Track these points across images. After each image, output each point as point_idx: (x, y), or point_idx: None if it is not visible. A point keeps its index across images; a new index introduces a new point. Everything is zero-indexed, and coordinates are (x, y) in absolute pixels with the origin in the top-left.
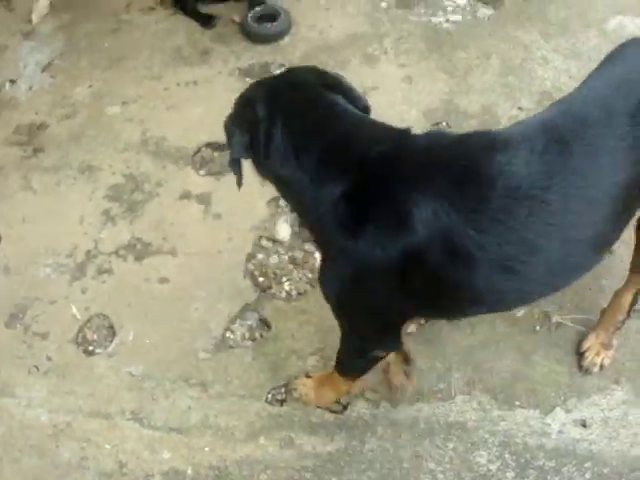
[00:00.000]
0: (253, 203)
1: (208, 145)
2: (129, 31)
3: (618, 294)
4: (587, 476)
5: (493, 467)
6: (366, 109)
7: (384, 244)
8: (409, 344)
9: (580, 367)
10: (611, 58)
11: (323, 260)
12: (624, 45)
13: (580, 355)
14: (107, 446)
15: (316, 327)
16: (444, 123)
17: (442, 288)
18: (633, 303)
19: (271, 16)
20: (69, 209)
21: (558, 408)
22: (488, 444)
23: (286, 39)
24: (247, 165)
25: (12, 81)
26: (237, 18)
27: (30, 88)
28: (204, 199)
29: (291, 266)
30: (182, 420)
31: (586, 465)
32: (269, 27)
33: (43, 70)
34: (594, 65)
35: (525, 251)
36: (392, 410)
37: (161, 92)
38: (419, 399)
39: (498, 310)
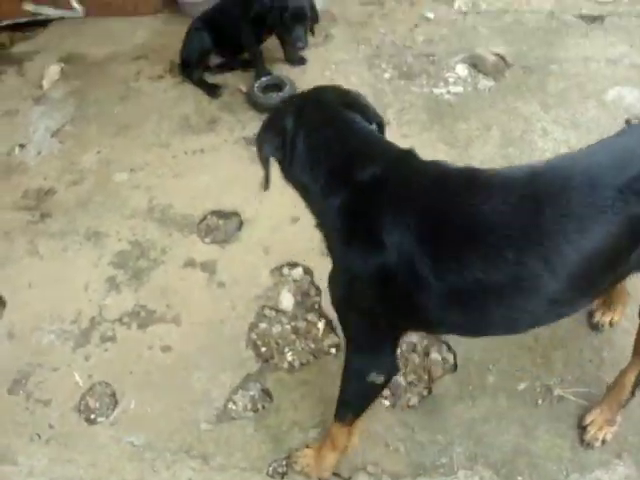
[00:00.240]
0: (257, 272)
1: (213, 213)
2: (138, 98)
3: (622, 374)
4: None
5: None
6: (380, 125)
7: (364, 258)
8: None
9: (582, 441)
10: (624, 131)
11: (332, 264)
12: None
13: (582, 429)
14: None
15: (318, 399)
16: None
17: (411, 304)
18: (636, 383)
19: (277, 86)
20: (75, 275)
21: None
22: None
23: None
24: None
25: (22, 145)
26: (244, 88)
27: (39, 153)
28: (208, 267)
29: (294, 336)
30: None
31: None
32: (275, 97)
33: (52, 135)
34: (593, 136)
35: (477, 290)
36: None
37: (168, 160)
38: (421, 474)
39: (467, 335)
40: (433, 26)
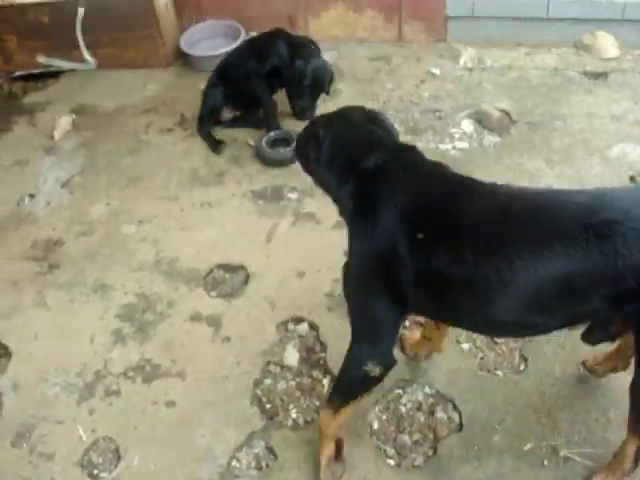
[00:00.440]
0: (262, 327)
1: (220, 266)
2: (147, 151)
3: (624, 444)
4: None
5: None
6: (394, 133)
7: (363, 240)
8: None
9: None
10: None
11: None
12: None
13: None
14: None
15: None
16: None
17: (397, 281)
18: (638, 456)
19: (285, 141)
20: (81, 327)
21: None
22: None
23: (298, 163)
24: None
25: (31, 196)
26: (252, 141)
27: (49, 203)
28: (214, 321)
29: (298, 393)
30: None
31: None
32: (282, 152)
33: (62, 186)
34: None
35: (441, 279)
36: None
37: (176, 212)
38: None
39: (445, 322)
40: (439, 82)
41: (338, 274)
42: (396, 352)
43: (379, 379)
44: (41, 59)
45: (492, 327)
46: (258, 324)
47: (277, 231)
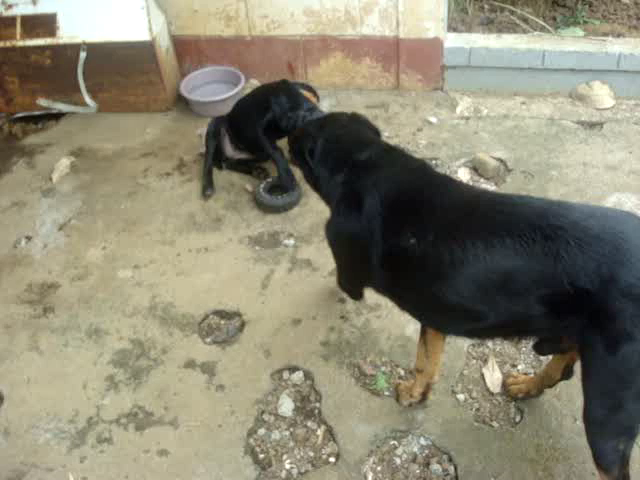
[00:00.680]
0: (257, 375)
1: (215, 313)
2: (145, 195)
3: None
4: None
5: None
6: (377, 133)
7: (346, 219)
8: None
9: None
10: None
11: (330, 217)
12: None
13: None
14: None
15: None
16: None
17: (368, 262)
18: None
19: (282, 187)
20: (74, 373)
21: None
22: None
23: (295, 210)
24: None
25: (28, 238)
26: (249, 187)
27: (45, 246)
28: (208, 369)
29: (292, 443)
30: None
31: None
32: (280, 198)
33: (59, 229)
34: None
35: (404, 257)
36: None
37: (172, 257)
38: None
39: (404, 308)
40: (436, 130)
41: (334, 322)
42: (390, 404)
43: (360, 296)
44: (42, 102)
45: (438, 310)
46: (252, 372)
47: (273, 277)
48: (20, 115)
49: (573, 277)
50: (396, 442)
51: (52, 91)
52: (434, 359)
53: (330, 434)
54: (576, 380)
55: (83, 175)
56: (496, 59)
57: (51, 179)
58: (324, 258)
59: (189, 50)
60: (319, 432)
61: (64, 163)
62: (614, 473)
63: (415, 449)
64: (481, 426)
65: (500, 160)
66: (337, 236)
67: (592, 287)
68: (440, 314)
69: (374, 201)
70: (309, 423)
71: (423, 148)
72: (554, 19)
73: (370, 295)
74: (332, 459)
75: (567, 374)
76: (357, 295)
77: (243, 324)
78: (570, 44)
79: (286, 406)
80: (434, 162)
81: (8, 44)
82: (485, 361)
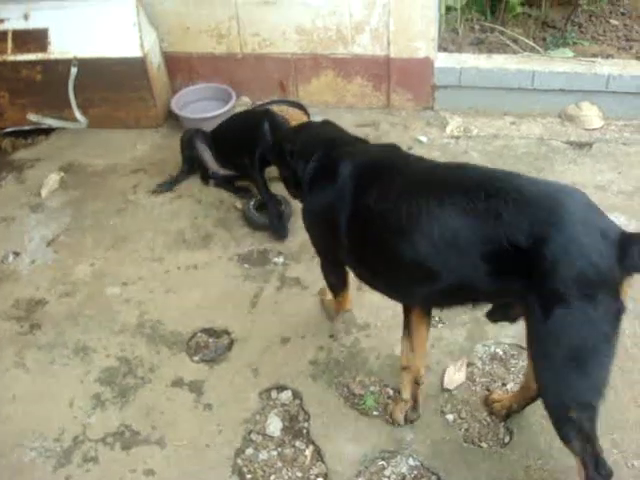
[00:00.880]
0: (245, 394)
1: (204, 331)
2: (134, 211)
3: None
4: None
5: None
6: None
7: (319, 192)
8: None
9: None
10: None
11: (304, 201)
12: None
13: None
14: None
15: None
16: (437, 317)
17: (339, 226)
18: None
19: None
20: (60, 391)
21: None
22: None
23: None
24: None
25: (16, 253)
26: (239, 204)
27: (33, 262)
28: (196, 387)
29: (280, 463)
30: None
31: None
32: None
33: (48, 245)
34: None
35: (371, 216)
36: None
37: (161, 275)
38: None
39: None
40: (426, 149)
41: (323, 341)
42: (379, 424)
43: (345, 285)
44: (32, 117)
45: (397, 271)
46: (240, 391)
47: (262, 295)
48: (10, 130)
49: (510, 235)
50: (385, 462)
51: (43, 106)
52: (420, 351)
53: (318, 454)
54: None
55: (72, 191)
56: (486, 79)
57: (40, 194)
58: (313, 276)
59: (180, 67)
60: (307, 452)
61: (53, 178)
62: (575, 446)
63: (404, 470)
64: (470, 447)
65: None
66: (312, 214)
67: (526, 245)
68: (399, 276)
69: (345, 169)
70: (297, 443)
71: None
72: (544, 40)
73: (359, 314)
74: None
75: None
76: (340, 282)
77: (231, 342)
78: (560, 65)
79: (274, 426)
80: None
81: None
82: (474, 381)
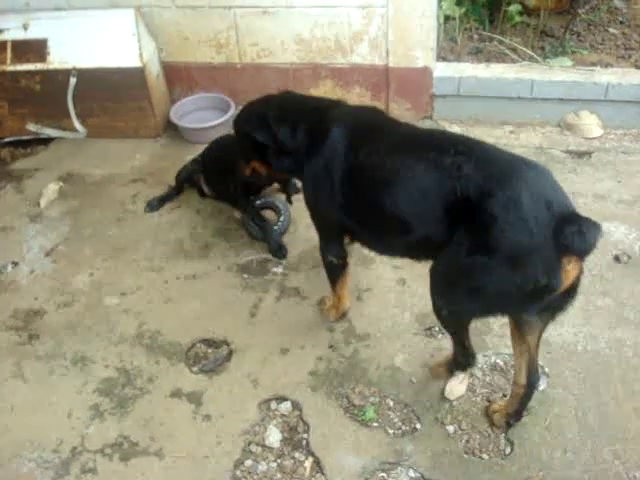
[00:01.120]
0: (244, 405)
1: (203, 341)
2: (133, 221)
3: None
4: None
5: None
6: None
7: (319, 159)
8: None
9: None
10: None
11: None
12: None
13: None
14: None
15: None
16: (437, 328)
17: (334, 186)
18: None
19: (271, 212)
20: (59, 401)
21: None
22: None
23: (284, 238)
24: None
25: (15, 263)
26: (238, 214)
27: (32, 272)
28: (195, 398)
29: (280, 475)
30: None
31: None
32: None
33: (46, 255)
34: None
35: (363, 171)
36: None
37: (160, 285)
38: None
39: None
40: None
41: (322, 352)
42: (379, 435)
43: (343, 266)
44: (31, 126)
45: (381, 223)
46: (240, 402)
47: (261, 306)
48: (9, 139)
49: (464, 187)
50: (385, 474)
51: (42, 116)
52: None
53: (318, 466)
54: (567, 412)
55: (71, 200)
56: (485, 88)
57: (39, 204)
58: (313, 287)
59: (179, 77)
60: (307, 464)
61: (52, 188)
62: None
63: None
64: (471, 458)
65: None
66: (312, 180)
67: (475, 199)
68: (382, 229)
69: (338, 131)
70: (297, 454)
71: None
72: (542, 49)
73: (359, 324)
74: None
75: (531, 377)
76: (339, 264)
77: (231, 353)
78: (558, 74)
79: (273, 437)
80: None
81: None
82: (474, 392)
